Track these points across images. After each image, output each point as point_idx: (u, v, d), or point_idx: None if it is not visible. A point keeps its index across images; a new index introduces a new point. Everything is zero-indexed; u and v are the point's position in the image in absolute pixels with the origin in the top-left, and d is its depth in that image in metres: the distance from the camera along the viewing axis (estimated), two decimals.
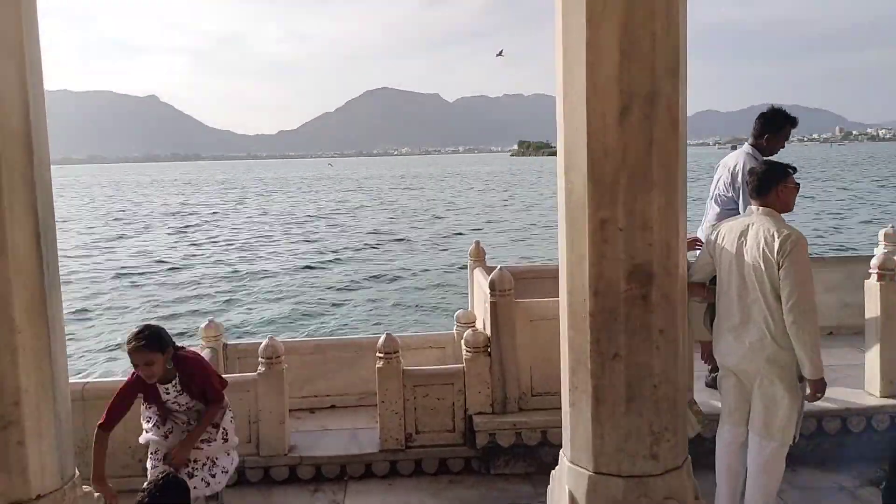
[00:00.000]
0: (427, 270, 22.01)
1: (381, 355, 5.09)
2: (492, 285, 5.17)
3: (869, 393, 5.20)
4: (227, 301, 18.36)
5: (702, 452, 3.88)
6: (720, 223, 4.00)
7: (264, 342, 5.05)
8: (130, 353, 3.56)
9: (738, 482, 3.86)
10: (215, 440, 3.86)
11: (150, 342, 3.52)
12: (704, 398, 4.95)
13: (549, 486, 3.37)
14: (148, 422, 3.86)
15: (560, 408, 5.27)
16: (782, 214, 3.74)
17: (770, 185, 3.70)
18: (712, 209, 5.31)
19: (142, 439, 3.90)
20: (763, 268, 3.56)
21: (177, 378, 3.74)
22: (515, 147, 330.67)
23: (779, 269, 3.52)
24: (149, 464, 3.84)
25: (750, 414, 3.79)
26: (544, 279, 6.59)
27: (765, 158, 4.73)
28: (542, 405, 5.17)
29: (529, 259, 22.69)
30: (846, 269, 6.71)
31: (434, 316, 15.82)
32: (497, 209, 44.29)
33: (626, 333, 2.76)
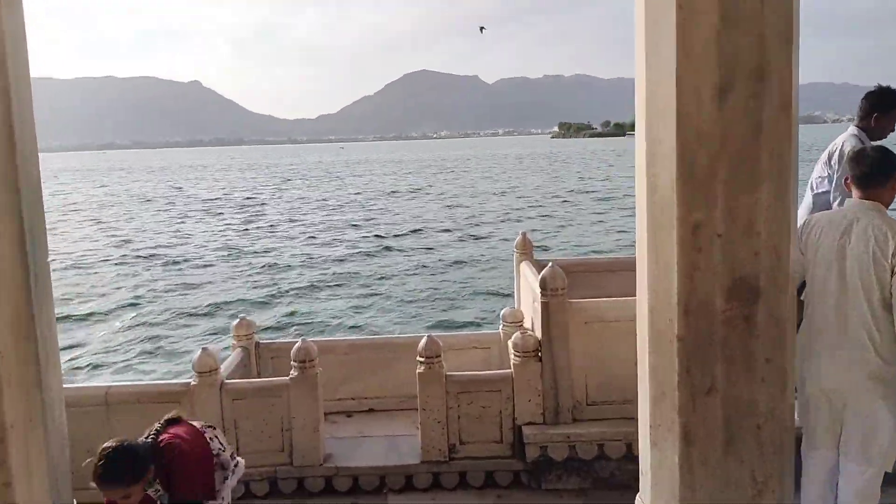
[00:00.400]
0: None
1: (423, 359, 4.61)
2: (542, 284, 4.63)
3: None
4: (310, 287, 17.71)
5: None
6: (812, 217, 3.39)
7: (297, 344, 4.61)
8: (100, 487, 2.63)
9: None
10: None
11: (123, 475, 2.62)
12: None
13: None
14: None
15: (620, 418, 4.78)
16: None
17: (886, 176, 3.08)
18: (807, 196, 4.66)
19: None
20: (872, 271, 2.96)
21: (157, 480, 2.88)
22: (556, 129, 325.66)
23: (892, 275, 2.93)
24: None
25: (842, 437, 3.23)
26: (597, 273, 6.03)
27: (874, 143, 4.06)
28: (599, 415, 4.64)
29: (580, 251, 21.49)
30: None
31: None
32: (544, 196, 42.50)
33: (725, 362, 2.22)
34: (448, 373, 4.63)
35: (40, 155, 2.59)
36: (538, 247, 6.30)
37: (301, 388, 4.55)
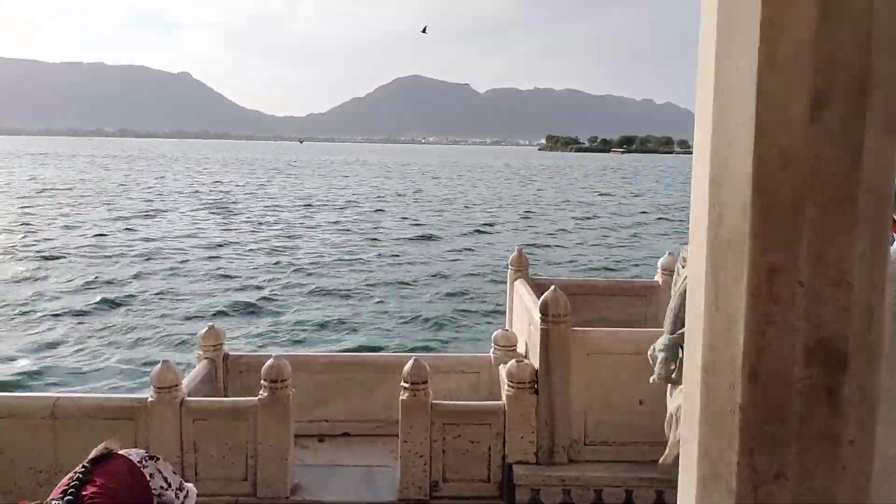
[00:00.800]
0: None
1: (407, 385, 4.11)
2: (544, 309, 4.15)
3: None
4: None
5: None
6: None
7: (269, 361, 4.09)
8: None
9: None
10: None
11: None
12: None
13: None
14: None
15: (621, 461, 4.31)
16: None
17: None
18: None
19: None
20: None
21: None
22: (543, 141, 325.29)
23: None
24: None
25: None
26: (597, 296, 5.57)
27: None
28: (597, 457, 4.18)
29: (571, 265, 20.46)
30: None
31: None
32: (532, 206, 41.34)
33: (799, 443, 1.74)
34: (434, 401, 4.13)
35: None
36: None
37: (270, 412, 4.03)
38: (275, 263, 19.77)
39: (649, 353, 3.45)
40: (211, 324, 4.89)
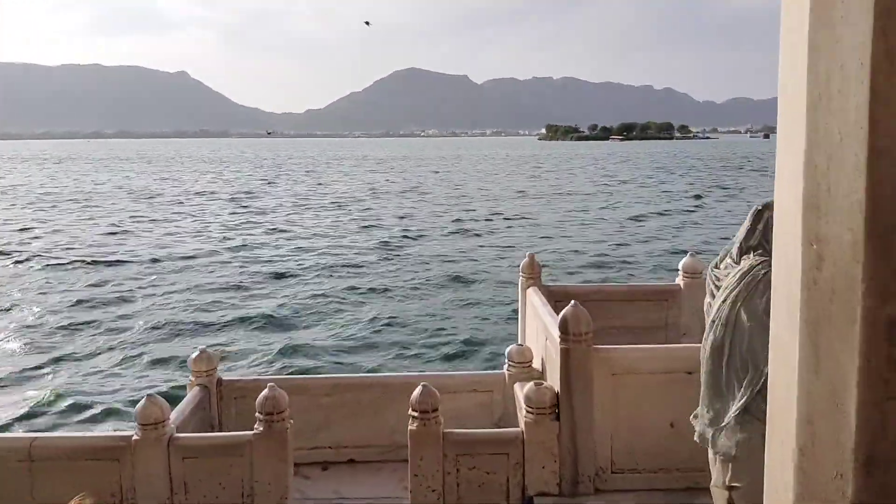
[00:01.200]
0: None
1: (416, 413, 3.70)
2: (563, 326, 3.74)
3: None
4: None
5: None
6: None
7: (264, 392, 3.68)
8: None
9: None
10: None
11: None
12: None
13: None
14: None
15: (651, 489, 3.90)
16: None
17: None
18: None
19: None
20: None
21: None
22: (543, 131, 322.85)
23: None
24: None
25: None
26: (615, 302, 5.16)
27: None
28: (627, 485, 3.77)
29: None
30: None
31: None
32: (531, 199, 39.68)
33: None
34: (446, 430, 3.73)
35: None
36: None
37: (267, 446, 3.62)
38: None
39: (696, 422, 2.83)
40: (202, 347, 4.47)
